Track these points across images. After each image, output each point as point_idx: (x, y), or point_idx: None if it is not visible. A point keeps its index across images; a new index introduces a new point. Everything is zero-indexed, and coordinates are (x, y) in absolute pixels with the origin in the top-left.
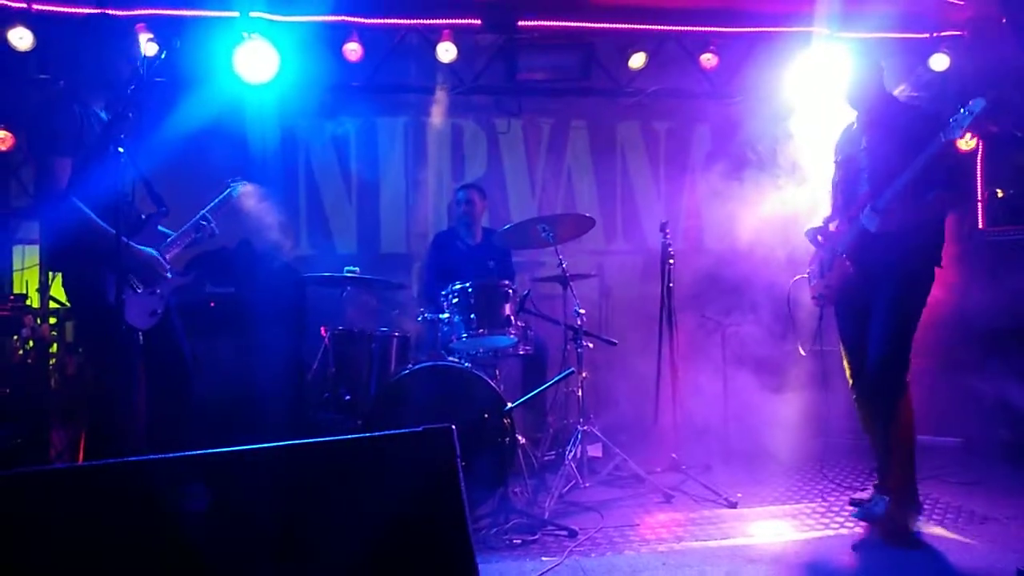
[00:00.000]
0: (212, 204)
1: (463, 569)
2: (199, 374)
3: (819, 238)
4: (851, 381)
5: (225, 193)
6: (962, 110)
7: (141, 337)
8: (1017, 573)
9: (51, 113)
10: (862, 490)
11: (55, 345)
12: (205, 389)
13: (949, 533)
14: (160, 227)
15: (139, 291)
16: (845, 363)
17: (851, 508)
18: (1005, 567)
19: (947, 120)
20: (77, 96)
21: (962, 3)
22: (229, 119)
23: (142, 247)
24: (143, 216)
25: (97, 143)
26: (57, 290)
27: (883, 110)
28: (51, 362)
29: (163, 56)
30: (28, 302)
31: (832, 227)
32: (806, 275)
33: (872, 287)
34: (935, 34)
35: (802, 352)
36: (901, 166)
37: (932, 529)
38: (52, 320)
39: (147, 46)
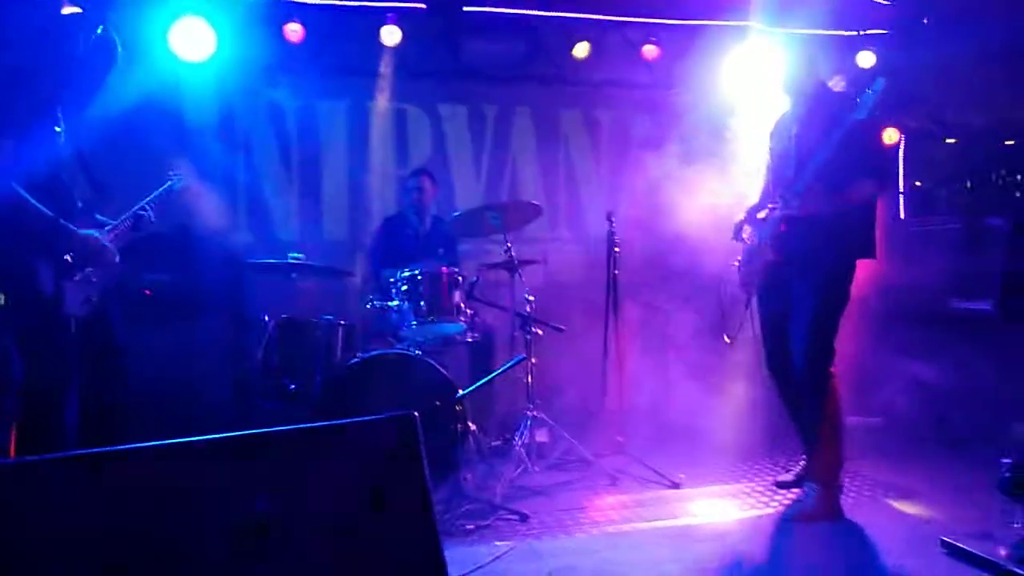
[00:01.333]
0: (152, 196)
1: (429, 557)
2: (135, 365)
3: (744, 232)
4: (767, 367)
5: (166, 186)
6: (867, 90)
7: (74, 326)
8: (940, 542)
9: None
10: (787, 471)
11: None
12: (143, 380)
13: (877, 508)
14: (97, 215)
15: (76, 278)
16: (764, 350)
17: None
18: (930, 537)
19: (851, 106)
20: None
21: (887, 3)
22: (165, 98)
23: (87, 231)
24: (79, 204)
25: (29, 118)
26: None
27: (814, 99)
28: None
29: (100, 31)
30: None
31: (760, 215)
32: (736, 263)
33: (793, 274)
34: (862, 32)
35: (727, 340)
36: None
37: (861, 505)
38: None
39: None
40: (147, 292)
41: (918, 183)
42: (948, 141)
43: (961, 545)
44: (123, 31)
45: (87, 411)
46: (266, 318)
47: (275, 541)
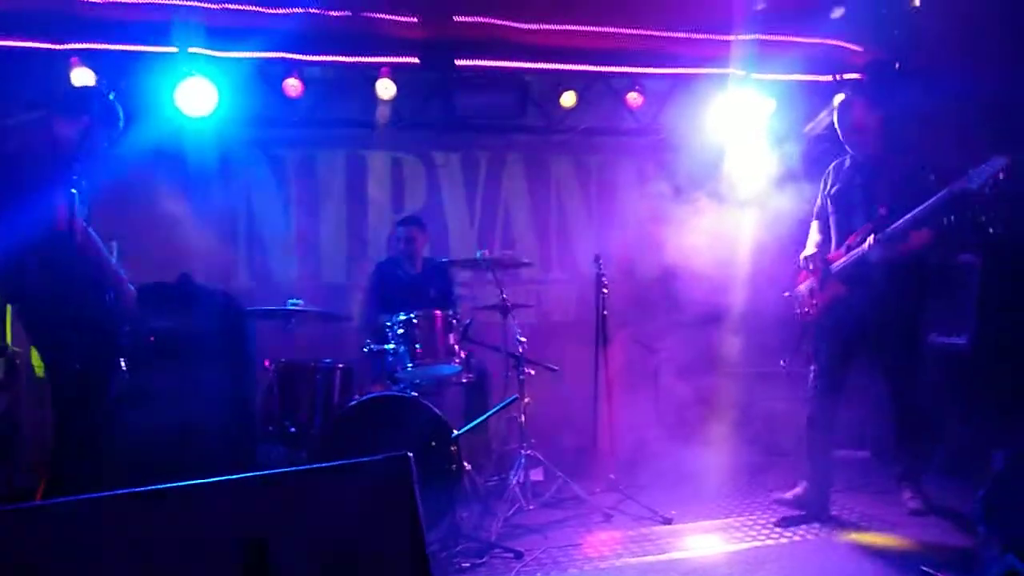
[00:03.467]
0: None
1: None
2: (138, 409)
3: (810, 266)
4: (816, 390)
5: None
6: (982, 164)
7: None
8: (920, 571)
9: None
10: (781, 505)
11: None
12: (146, 425)
13: (862, 539)
14: None
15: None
16: (818, 374)
17: (776, 523)
18: (910, 567)
19: (965, 170)
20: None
21: (860, 49)
22: (169, 152)
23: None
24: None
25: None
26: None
27: (877, 153)
28: None
29: (111, 96)
30: None
31: (832, 256)
32: (788, 294)
33: (866, 314)
34: (837, 77)
35: (782, 364)
36: (896, 202)
37: (848, 536)
38: None
39: (79, 78)
40: (151, 339)
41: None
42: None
43: (939, 574)
44: (132, 93)
45: (93, 453)
46: (266, 363)
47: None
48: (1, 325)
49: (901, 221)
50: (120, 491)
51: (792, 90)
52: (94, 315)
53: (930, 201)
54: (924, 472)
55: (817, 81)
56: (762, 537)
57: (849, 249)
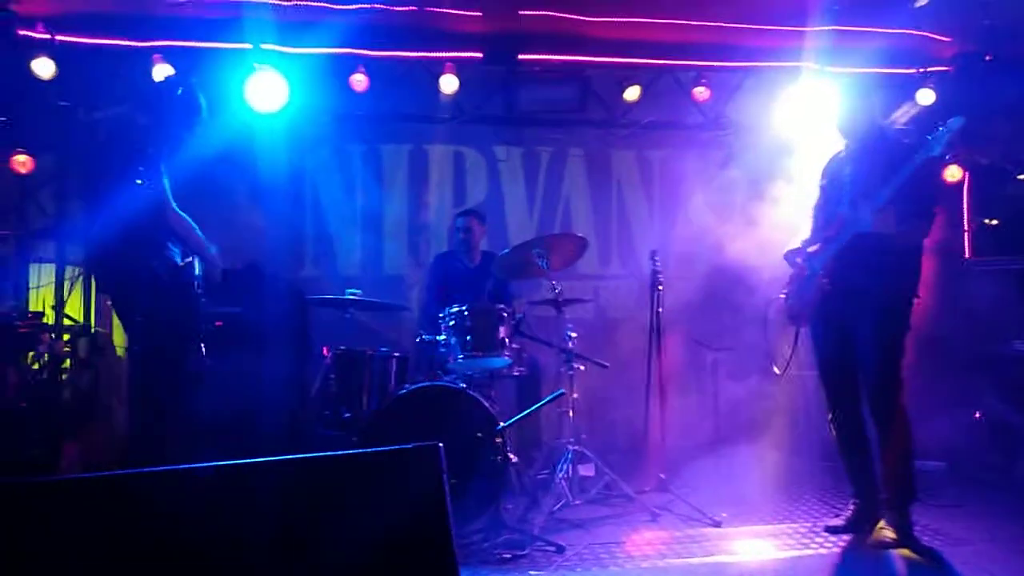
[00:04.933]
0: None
1: None
2: (204, 391)
3: (798, 260)
4: (828, 402)
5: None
6: (939, 127)
7: None
8: None
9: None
10: (836, 516)
11: (67, 361)
12: (211, 406)
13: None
14: None
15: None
16: (823, 385)
17: (827, 528)
18: None
19: (924, 140)
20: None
21: (948, 40)
22: (240, 146)
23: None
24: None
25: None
26: (72, 307)
27: (872, 141)
28: (62, 377)
29: (180, 92)
30: (44, 319)
31: (811, 249)
32: (783, 296)
33: (851, 308)
34: (921, 69)
35: (776, 371)
36: (881, 186)
37: (908, 550)
38: (65, 337)
39: (160, 74)
40: (218, 323)
41: (992, 221)
42: (1021, 177)
43: None
44: (207, 88)
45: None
46: (324, 350)
47: (297, 564)
48: (86, 306)
49: (882, 194)
50: (159, 468)
51: (871, 83)
52: (178, 293)
53: (900, 175)
54: (911, 499)
55: (899, 74)
56: (815, 545)
57: (827, 241)
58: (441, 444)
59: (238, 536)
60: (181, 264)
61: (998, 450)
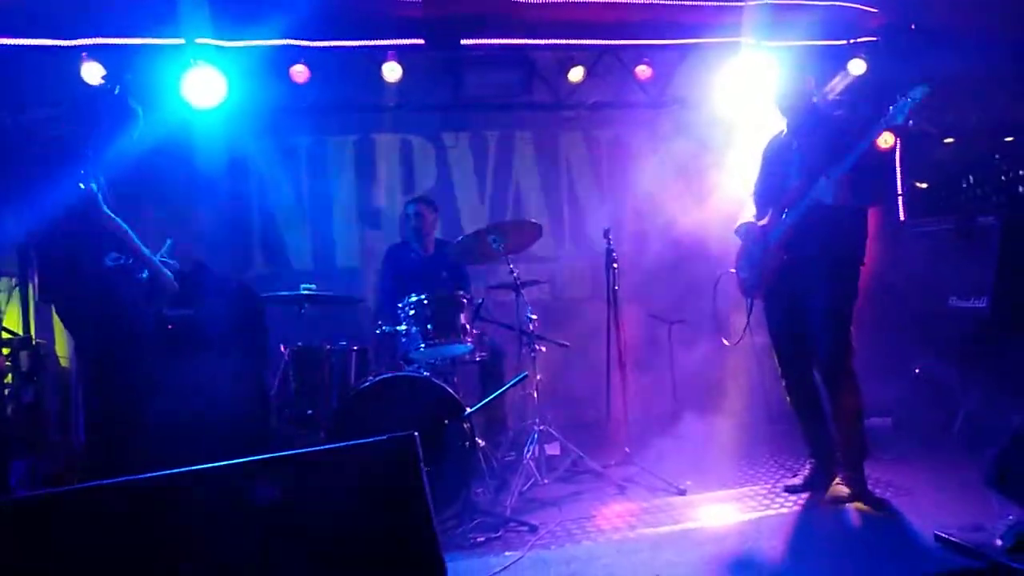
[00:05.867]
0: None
1: (432, 571)
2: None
3: (750, 234)
4: (780, 371)
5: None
6: (903, 97)
7: None
8: (935, 537)
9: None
10: (794, 476)
11: (9, 376)
12: (169, 412)
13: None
14: None
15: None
16: (775, 353)
17: (786, 488)
18: (925, 532)
19: (885, 110)
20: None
21: (875, 11)
22: (180, 144)
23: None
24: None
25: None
26: (10, 320)
27: (810, 117)
28: (5, 392)
29: (116, 91)
30: None
31: (762, 223)
32: (733, 271)
33: (803, 278)
34: (852, 40)
35: (726, 343)
36: (832, 159)
37: (862, 503)
38: (6, 351)
39: (90, 72)
40: (169, 327)
41: (921, 184)
42: (947, 141)
43: (954, 539)
44: (138, 84)
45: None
46: (281, 348)
47: (282, 559)
48: (24, 317)
49: (844, 162)
50: (139, 476)
51: (805, 55)
52: (118, 297)
53: (860, 145)
54: (864, 456)
55: (831, 46)
56: (776, 506)
57: (781, 215)
58: (416, 433)
59: (227, 538)
60: (121, 266)
61: (937, 405)
